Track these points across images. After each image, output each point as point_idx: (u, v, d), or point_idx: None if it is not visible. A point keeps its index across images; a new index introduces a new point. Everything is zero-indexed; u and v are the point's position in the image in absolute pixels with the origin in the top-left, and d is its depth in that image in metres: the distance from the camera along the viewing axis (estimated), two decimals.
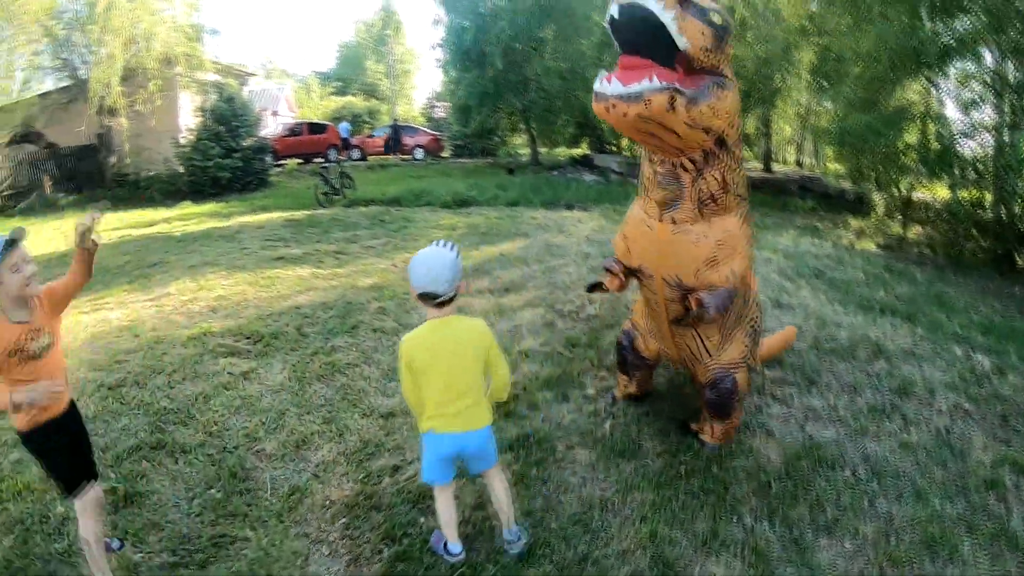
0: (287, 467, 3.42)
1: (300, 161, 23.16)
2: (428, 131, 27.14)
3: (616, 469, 3.24)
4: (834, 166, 18.12)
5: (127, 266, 8.64)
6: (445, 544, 2.65)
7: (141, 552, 2.88)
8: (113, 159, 17.76)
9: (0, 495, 3.26)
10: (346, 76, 48.45)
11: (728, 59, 2.79)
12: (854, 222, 13.03)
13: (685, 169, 2.90)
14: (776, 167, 23.59)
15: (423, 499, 3.07)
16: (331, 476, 3.32)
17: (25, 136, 16.26)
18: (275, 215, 12.03)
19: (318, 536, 2.90)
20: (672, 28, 2.48)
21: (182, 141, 17.04)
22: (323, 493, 3.18)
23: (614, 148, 23.05)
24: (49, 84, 17.36)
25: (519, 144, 24.90)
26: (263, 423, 3.84)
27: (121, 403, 4.05)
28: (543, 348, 4.74)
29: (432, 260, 2.38)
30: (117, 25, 14.67)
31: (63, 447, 2.52)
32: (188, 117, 17.99)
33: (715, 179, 2.91)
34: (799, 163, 26.44)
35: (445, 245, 2.44)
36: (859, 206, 14.28)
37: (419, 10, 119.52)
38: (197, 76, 17.60)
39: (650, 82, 2.52)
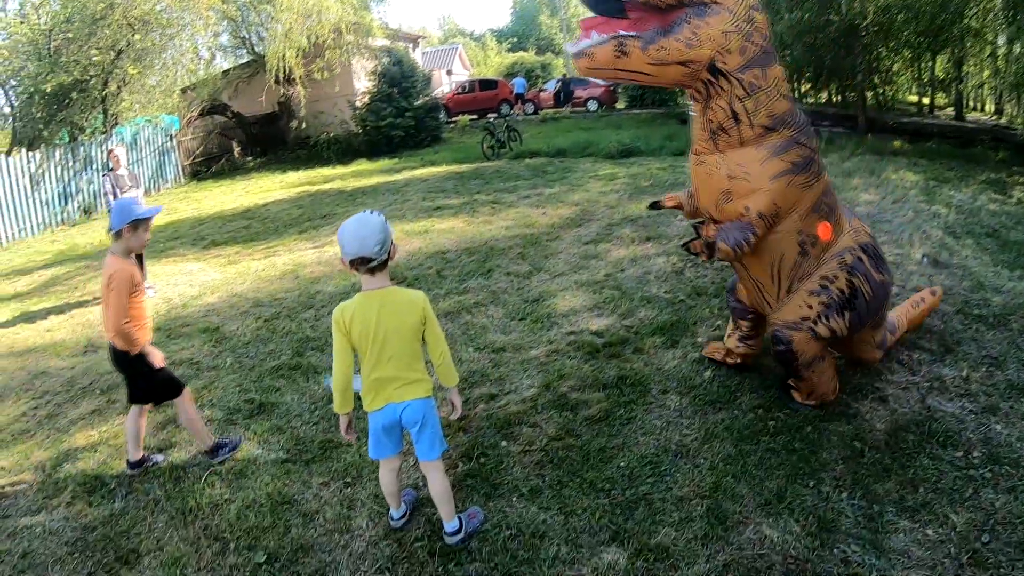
0: None
1: (473, 117, 23.95)
2: (600, 83, 26.69)
3: (702, 418, 3.23)
4: None
5: (300, 218, 9.75)
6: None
7: (262, 449, 3.48)
8: (293, 124, 19.47)
9: None
10: (520, 32, 48.76)
11: None
12: None
13: (696, 101, 2.91)
14: (975, 115, 20.19)
15: (509, 425, 3.34)
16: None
17: (213, 108, 18.36)
18: (442, 169, 12.75)
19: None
20: None
21: (357, 104, 18.33)
22: None
23: (793, 95, 21.10)
24: (231, 61, 19.53)
25: None
26: None
27: (272, 332, 4.74)
28: (665, 295, 4.75)
29: (359, 227, 2.33)
30: (288, 3, 15.90)
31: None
32: (362, 81, 19.29)
33: (721, 108, 2.89)
34: (999, 111, 22.42)
35: (372, 213, 2.39)
36: None
37: None
38: (368, 43, 18.59)
39: (589, 39, 2.82)
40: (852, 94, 15.27)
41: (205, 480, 3.30)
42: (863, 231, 3.31)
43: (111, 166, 6.87)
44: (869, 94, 14.39)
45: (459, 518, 2.63)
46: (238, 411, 3.87)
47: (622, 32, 2.79)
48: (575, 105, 25.34)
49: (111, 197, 6.72)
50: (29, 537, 3.11)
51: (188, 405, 3.46)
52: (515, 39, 48.85)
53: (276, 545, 2.76)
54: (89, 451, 3.81)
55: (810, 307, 3.08)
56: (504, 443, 3.22)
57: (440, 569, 2.49)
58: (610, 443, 3.10)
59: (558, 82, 26.29)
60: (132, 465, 3.50)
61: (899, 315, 3.78)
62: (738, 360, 3.62)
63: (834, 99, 16.82)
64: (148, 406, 3.52)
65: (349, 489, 3.05)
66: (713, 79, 2.85)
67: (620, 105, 25.69)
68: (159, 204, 3.51)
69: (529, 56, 41.91)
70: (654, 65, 2.80)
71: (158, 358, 3.34)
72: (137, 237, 3.29)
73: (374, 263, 2.35)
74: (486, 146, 13.88)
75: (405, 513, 2.80)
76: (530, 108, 25.90)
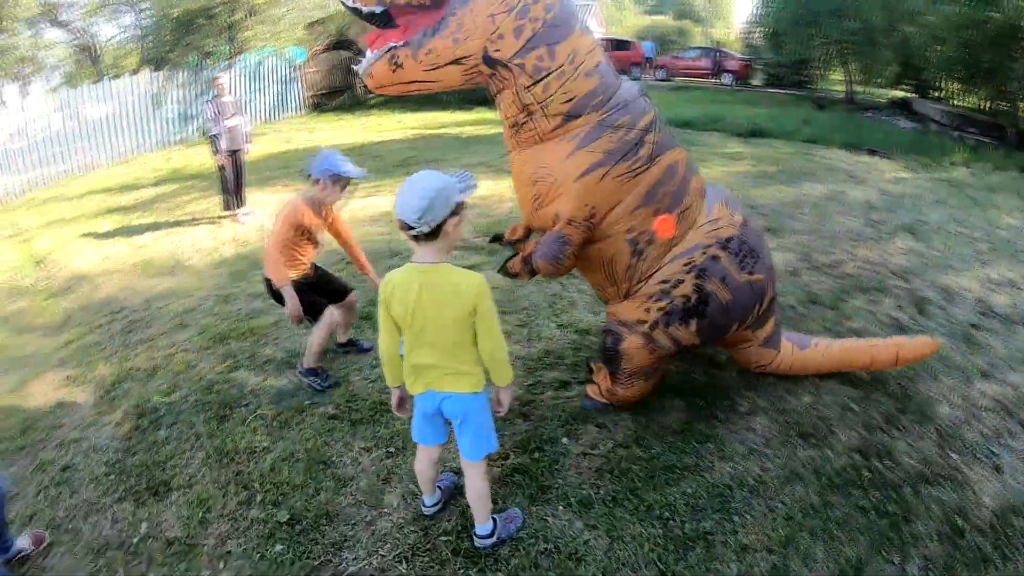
0: None
1: None
2: (739, 56, 25.31)
3: (790, 451, 2.79)
4: None
5: (408, 160, 9.67)
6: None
7: (312, 401, 3.35)
8: None
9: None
10: None
11: None
12: None
13: (494, 98, 2.65)
14: None
15: (574, 421, 3.03)
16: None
17: (340, 44, 18.50)
18: None
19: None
20: (342, 3, 2.48)
21: None
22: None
23: (938, 95, 19.18)
24: None
25: (835, 79, 22.02)
26: None
27: (352, 276, 4.59)
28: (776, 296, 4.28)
29: (409, 184, 1.93)
30: None
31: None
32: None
33: (509, 102, 2.57)
34: None
35: (435, 173, 1.96)
36: None
37: None
38: None
39: (364, 58, 2.59)
40: (1005, 103, 13.63)
41: (248, 424, 3.21)
42: (727, 222, 2.81)
43: (215, 93, 6.95)
44: (1022, 104, 12.79)
45: (494, 519, 2.36)
46: (298, 355, 3.77)
47: (391, 44, 2.51)
48: (710, 76, 24.10)
49: (213, 124, 6.82)
50: (75, 451, 3.12)
51: (319, 330, 3.39)
52: (654, 2, 47.11)
53: (302, 506, 2.62)
54: (149, 374, 3.83)
55: (647, 311, 2.74)
56: (565, 440, 2.91)
57: (460, 571, 2.25)
58: (680, 461, 2.74)
59: (712, 52, 24.91)
60: (338, 345, 3.77)
61: (858, 345, 3.26)
62: None
63: (984, 106, 15.13)
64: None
65: (390, 460, 2.86)
66: (493, 71, 2.51)
67: (756, 82, 24.31)
68: (363, 169, 3.41)
69: (667, 20, 40.37)
70: (430, 71, 2.51)
71: (293, 306, 3.27)
72: (332, 192, 3.26)
73: (413, 232, 1.94)
74: None
75: (439, 501, 2.54)
76: (660, 74, 24.83)
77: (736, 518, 2.42)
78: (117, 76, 13.45)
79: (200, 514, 2.64)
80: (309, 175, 3.26)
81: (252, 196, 7.50)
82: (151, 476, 2.91)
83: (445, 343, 2.06)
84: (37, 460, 3.08)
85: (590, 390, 3.11)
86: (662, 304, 2.72)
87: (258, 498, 2.70)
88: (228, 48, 15.11)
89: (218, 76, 7.03)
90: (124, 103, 12.47)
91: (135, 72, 14.12)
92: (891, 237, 5.70)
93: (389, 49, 2.52)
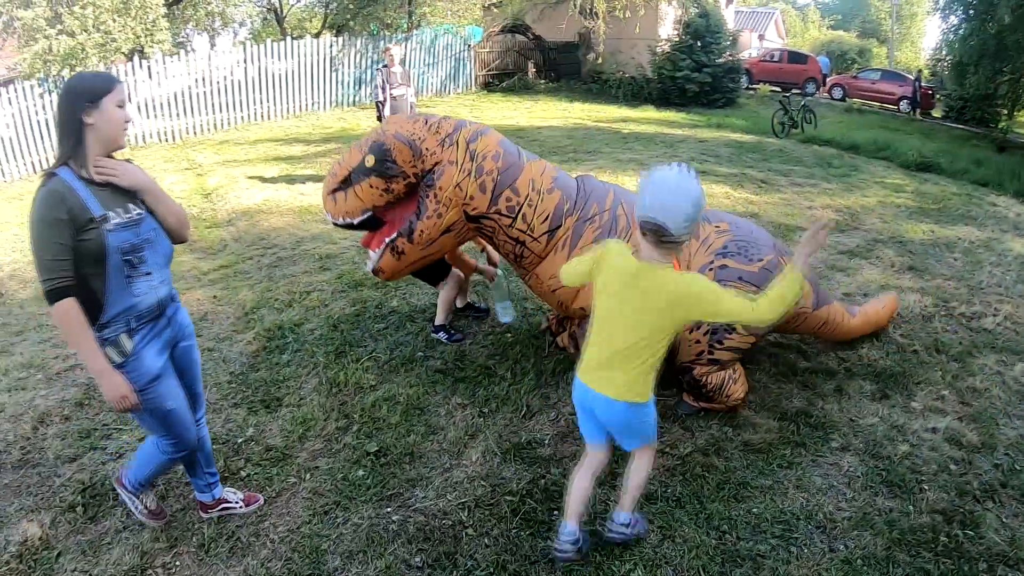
0: (574, 341, 3.75)
1: (775, 88, 21.94)
2: (922, 84, 23.25)
3: (870, 497, 2.66)
4: None
5: (566, 148, 9.80)
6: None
7: (424, 355, 3.64)
8: (590, 57, 19.59)
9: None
10: (847, 10, 44.17)
11: (431, 152, 2.90)
12: None
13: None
14: None
15: (662, 420, 3.01)
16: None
17: (515, 28, 18.93)
18: (725, 134, 12.12)
19: (555, 402, 3.22)
20: (334, 220, 3.04)
21: (657, 50, 17.83)
22: None
23: None
24: None
25: (1022, 120, 19.78)
26: None
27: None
28: (901, 338, 4.03)
29: (673, 189, 1.81)
30: None
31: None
32: (666, 27, 18.74)
33: (503, 241, 3.03)
34: None
35: (691, 174, 1.85)
36: None
37: None
38: None
39: (369, 259, 3.12)
40: None
41: (361, 362, 3.54)
42: (715, 236, 3.08)
43: (385, 62, 7.46)
44: None
45: (633, 516, 2.27)
46: (423, 312, 4.09)
47: (387, 239, 2.98)
48: (886, 102, 22.37)
49: (380, 91, 7.33)
50: (207, 359, 3.56)
51: (448, 289, 3.73)
52: (839, 16, 44.65)
53: (391, 443, 2.89)
54: (285, 305, 4.29)
55: (697, 342, 2.96)
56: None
57: (514, 530, 2.40)
58: (755, 481, 2.72)
59: (913, 80, 22.33)
60: (458, 309, 4.05)
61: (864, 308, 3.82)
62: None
63: None
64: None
65: (481, 419, 3.07)
66: (479, 225, 2.97)
67: (936, 114, 22.34)
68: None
69: (849, 37, 38.13)
70: (428, 247, 2.98)
71: None
72: None
73: (669, 240, 1.85)
74: (776, 122, 12.92)
75: (576, 542, 2.18)
76: (838, 93, 23.40)
77: (793, 549, 2.38)
78: (299, 37, 14.62)
79: (300, 431, 2.98)
80: None
81: None
82: (267, 391, 3.31)
83: (624, 346, 1.96)
84: None
85: (687, 395, 3.18)
86: (705, 329, 2.95)
87: (354, 427, 3.00)
88: (406, 21, 15.98)
89: (389, 47, 7.53)
90: (304, 62, 13.55)
91: (317, 35, 15.31)
92: None
93: (388, 244, 2.99)
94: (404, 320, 4.06)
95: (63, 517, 2.52)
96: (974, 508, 2.65)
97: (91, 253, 1.86)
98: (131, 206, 1.95)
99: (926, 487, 2.76)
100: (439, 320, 3.79)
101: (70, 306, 1.84)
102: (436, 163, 2.91)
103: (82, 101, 1.85)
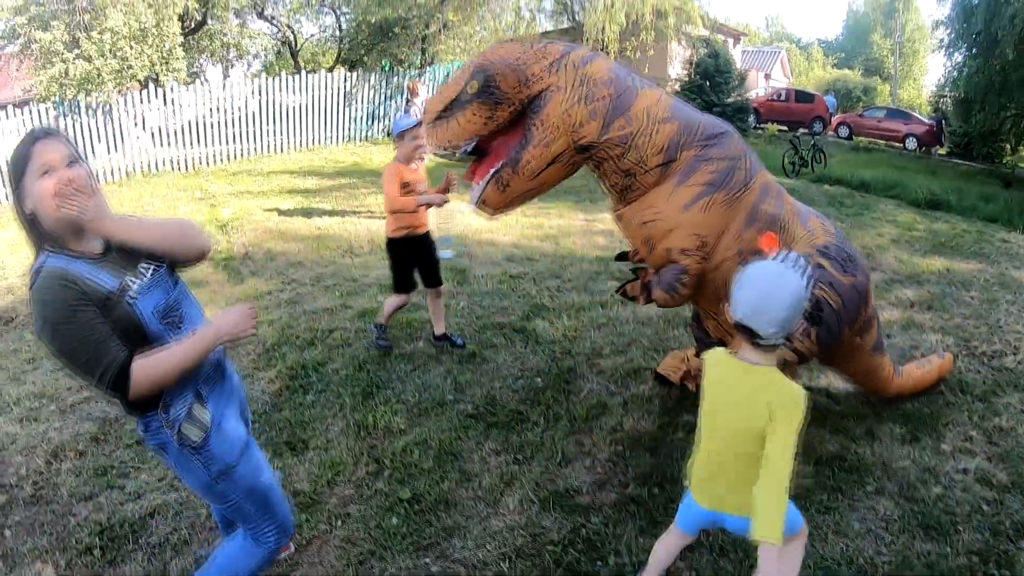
0: (607, 386, 3.69)
1: (782, 128, 22.06)
2: (924, 120, 23.45)
3: (907, 540, 2.57)
4: None
5: (581, 188, 9.68)
6: None
7: (454, 398, 3.55)
8: None
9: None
10: (849, 48, 44.91)
11: (537, 77, 2.68)
12: None
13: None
14: None
15: None
16: (636, 408, 3.46)
17: None
18: None
19: (590, 449, 3.11)
20: (437, 150, 2.81)
21: (666, 90, 18.04)
22: (620, 418, 3.36)
23: None
24: (550, 24, 20.00)
25: None
26: (613, 344, 4.21)
27: (512, 290, 4.84)
28: None
29: (769, 287, 1.64)
30: None
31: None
32: (675, 67, 18.97)
33: (612, 173, 2.80)
34: None
35: (795, 265, 1.66)
36: None
37: None
38: (687, 30, 18.14)
39: (473, 191, 2.87)
40: None
41: (390, 405, 3.47)
42: (821, 232, 2.99)
43: (408, 97, 7.62)
44: None
45: None
46: (450, 353, 4.04)
47: (492, 169, 2.77)
48: (892, 139, 22.51)
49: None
50: None
51: (395, 299, 4.00)
52: (842, 54, 45.32)
53: (425, 489, 2.79)
54: (307, 343, 4.23)
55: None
56: (687, 482, 2.90)
57: None
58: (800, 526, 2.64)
59: (934, 119, 22.31)
60: (435, 339, 4.15)
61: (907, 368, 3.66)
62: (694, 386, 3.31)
63: None
64: (409, 296, 4.05)
65: (516, 466, 2.98)
66: (588, 155, 2.76)
67: (941, 151, 22.49)
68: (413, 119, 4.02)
69: (853, 75, 38.58)
70: (535, 178, 2.76)
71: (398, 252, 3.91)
72: (403, 146, 3.82)
73: (764, 342, 1.69)
74: (787, 161, 13.02)
75: None
76: (844, 131, 23.59)
77: None
78: (313, 71, 14.81)
79: (330, 475, 2.89)
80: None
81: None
82: (292, 432, 3.23)
83: (738, 465, 1.80)
84: None
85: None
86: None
87: (386, 473, 2.91)
88: (419, 58, 16.21)
89: (416, 80, 7.68)
90: (317, 96, 13.65)
91: (330, 70, 15.52)
92: None
93: (492, 175, 2.80)
94: (430, 361, 3.98)
95: (80, 560, 2.44)
96: (1008, 548, 2.61)
97: (126, 331, 1.56)
98: (143, 265, 1.65)
99: (961, 528, 2.70)
100: (380, 319, 4.09)
101: (140, 365, 1.53)
102: (543, 89, 2.70)
103: (14, 188, 1.54)
